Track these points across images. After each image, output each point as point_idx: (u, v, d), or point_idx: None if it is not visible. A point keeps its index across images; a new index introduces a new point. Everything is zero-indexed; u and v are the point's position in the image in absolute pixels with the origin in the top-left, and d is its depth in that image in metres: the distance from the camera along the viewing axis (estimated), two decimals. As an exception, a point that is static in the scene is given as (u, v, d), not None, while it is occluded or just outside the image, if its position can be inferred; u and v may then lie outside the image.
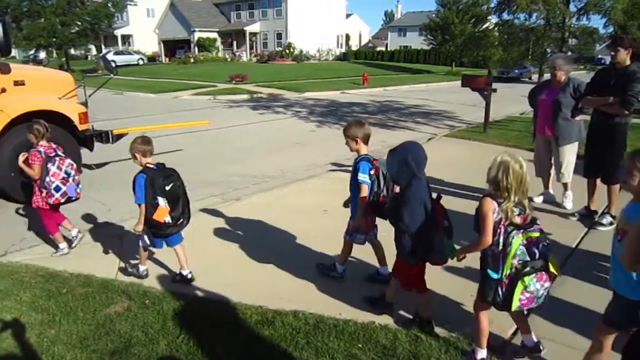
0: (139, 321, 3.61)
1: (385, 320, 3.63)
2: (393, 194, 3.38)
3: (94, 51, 55.31)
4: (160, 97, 21.88)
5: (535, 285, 2.71)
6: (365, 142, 3.82)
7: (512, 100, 17.60)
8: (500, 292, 2.76)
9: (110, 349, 3.28)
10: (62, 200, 4.80)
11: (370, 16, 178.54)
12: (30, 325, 3.59)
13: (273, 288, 4.18)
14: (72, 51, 43.35)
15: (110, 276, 4.42)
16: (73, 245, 4.70)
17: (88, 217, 6.06)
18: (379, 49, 65.17)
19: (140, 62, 47.27)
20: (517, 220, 2.74)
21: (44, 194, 4.70)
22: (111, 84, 9.77)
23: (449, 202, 6.01)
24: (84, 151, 7.39)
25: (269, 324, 3.56)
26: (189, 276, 4.26)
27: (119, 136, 8.00)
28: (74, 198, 4.90)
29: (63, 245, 4.94)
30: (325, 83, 27.85)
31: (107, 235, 5.47)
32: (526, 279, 2.69)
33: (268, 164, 8.78)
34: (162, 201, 3.89)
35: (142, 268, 4.37)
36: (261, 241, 5.19)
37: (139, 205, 3.94)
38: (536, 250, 2.72)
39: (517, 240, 2.69)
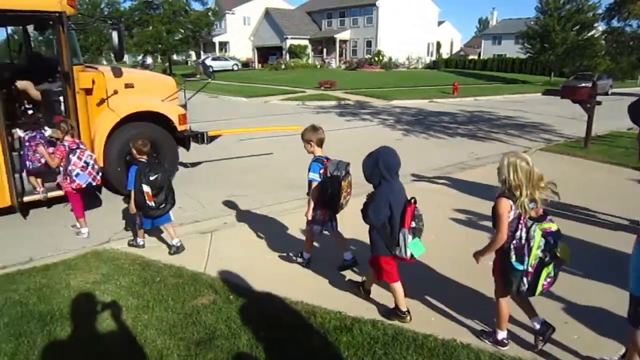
0: (223, 315, 3.76)
1: (467, 338, 3.48)
2: (369, 193, 3.69)
3: (193, 57, 58.91)
4: (252, 101, 22.78)
5: (555, 270, 3.03)
6: (319, 145, 4.43)
7: (619, 113, 16.22)
8: (525, 281, 3.03)
9: (195, 339, 3.46)
10: (83, 186, 5.42)
11: (463, 24, 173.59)
12: (127, 308, 3.88)
13: (353, 295, 4.17)
14: (175, 57, 46.59)
15: (200, 269, 4.66)
16: (172, 252, 5.08)
17: (183, 213, 6.43)
18: (471, 57, 63.05)
19: (235, 67, 49.60)
20: (533, 214, 3.02)
21: (68, 180, 5.37)
22: (208, 87, 10.33)
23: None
24: (180, 150, 7.87)
25: (347, 330, 3.55)
26: (178, 244, 5.05)
27: (213, 137, 8.44)
28: (94, 184, 5.53)
29: (85, 230, 5.64)
30: (413, 91, 27.46)
31: (198, 231, 5.78)
32: (550, 266, 2.99)
33: (353, 171, 8.79)
34: (146, 188, 4.75)
35: (139, 241, 5.22)
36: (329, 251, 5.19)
37: (130, 190, 4.83)
38: (551, 240, 2.98)
39: (539, 233, 2.97)
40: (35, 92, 6.88)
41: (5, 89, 6.59)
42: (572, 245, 2.80)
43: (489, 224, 3.34)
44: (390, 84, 31.17)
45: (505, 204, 2.99)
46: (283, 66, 46.44)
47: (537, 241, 2.95)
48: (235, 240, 5.52)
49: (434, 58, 56.04)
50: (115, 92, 6.79)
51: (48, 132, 6.20)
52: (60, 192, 5.99)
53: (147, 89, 7.45)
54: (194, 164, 9.19)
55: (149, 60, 13.51)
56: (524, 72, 47.62)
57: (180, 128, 7.57)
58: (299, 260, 4.78)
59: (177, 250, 5.05)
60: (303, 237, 5.44)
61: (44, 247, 5.27)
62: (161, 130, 7.33)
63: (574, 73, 29.19)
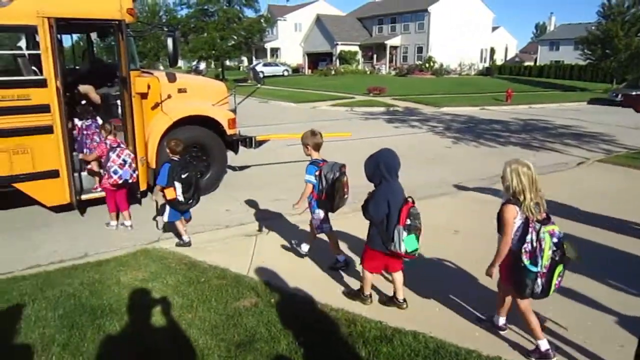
0: (264, 318, 3.80)
1: (513, 356, 3.35)
2: (370, 192, 3.93)
3: (245, 62, 60.31)
4: (301, 107, 23.01)
5: (564, 269, 3.16)
6: (316, 149, 4.72)
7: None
8: (539, 282, 3.12)
9: (236, 341, 3.50)
10: (120, 182, 5.78)
11: (518, 29, 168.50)
12: (172, 307, 3.99)
13: (392, 307, 4.10)
14: (228, 62, 47.80)
15: (243, 272, 4.73)
16: (179, 244, 5.44)
17: (229, 215, 6.57)
18: (526, 63, 60.91)
19: (285, 73, 50.30)
20: (539, 217, 3.13)
21: (106, 176, 5.78)
22: (258, 93, 10.51)
23: (596, 236, 5.41)
24: (229, 153, 8.04)
25: (387, 341, 3.50)
26: (187, 240, 5.41)
27: (261, 142, 8.58)
28: (130, 181, 5.87)
29: (114, 223, 6.08)
30: (464, 98, 26.86)
31: (244, 233, 5.87)
32: (561, 266, 3.12)
33: (400, 178, 8.68)
34: (177, 184, 5.14)
35: (185, 238, 5.45)
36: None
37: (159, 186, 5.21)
38: (557, 240, 3.10)
39: (548, 234, 3.08)
40: (95, 96, 7.23)
41: (69, 92, 6.95)
42: (632, 266, 2.62)
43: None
44: (441, 90, 30.65)
45: (512, 209, 3.16)
46: (333, 72, 46.65)
47: (548, 242, 3.08)
48: (279, 244, 5.57)
49: (487, 64, 54.62)
50: (169, 97, 7.03)
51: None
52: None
53: (199, 93, 7.68)
54: (242, 168, 9.37)
55: (202, 66, 13.95)
56: (583, 79, 45.50)
57: (229, 132, 7.73)
58: (300, 249, 5.08)
59: (185, 244, 5.44)
60: (346, 243, 5.43)
61: (98, 244, 5.52)
62: (211, 134, 7.52)
63: (637, 81, 27.58)
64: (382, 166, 3.76)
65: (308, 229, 5.06)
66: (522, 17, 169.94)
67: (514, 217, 3.15)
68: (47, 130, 5.84)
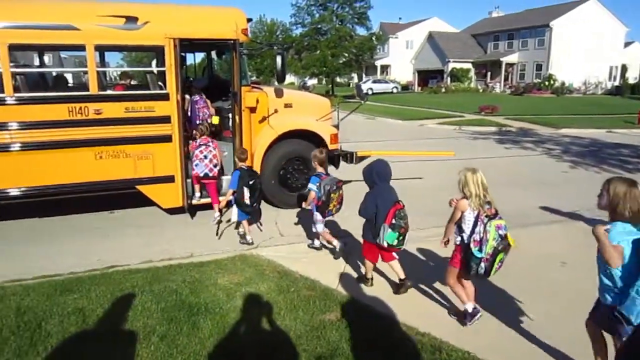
0: (347, 334, 3.79)
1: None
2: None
3: (355, 79, 61.27)
4: (407, 124, 22.77)
5: (505, 256, 3.76)
6: (320, 164, 5.73)
7: None
8: (483, 266, 3.72)
9: (317, 353, 3.54)
10: (201, 175, 6.64)
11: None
12: (262, 312, 4.15)
13: (483, 336, 3.87)
14: (338, 79, 48.99)
15: (332, 286, 4.78)
16: (336, 256, 5.61)
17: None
18: (667, 82, 54.37)
19: (395, 90, 50.21)
20: (488, 213, 3.76)
21: (192, 169, 6.68)
22: (365, 109, 10.67)
23: None
24: (330, 168, 8.18)
25: (474, 373, 3.31)
26: (250, 240, 6.00)
27: (362, 158, 8.62)
28: (210, 175, 6.65)
29: (217, 214, 6.73)
30: (588, 120, 24.64)
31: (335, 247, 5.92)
32: (502, 254, 3.73)
33: (507, 202, 8.14)
34: (245, 189, 5.76)
35: (248, 237, 6.06)
36: (483, 283, 4.86)
37: (231, 190, 5.84)
38: (502, 232, 3.72)
39: (494, 228, 3.68)
40: (211, 109, 7.83)
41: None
42: None
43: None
44: (561, 110, 28.44)
45: (464, 203, 3.82)
46: (443, 89, 45.64)
47: (493, 234, 3.67)
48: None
49: (617, 83, 49.71)
50: (276, 111, 7.39)
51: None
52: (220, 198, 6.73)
53: (304, 109, 7.97)
54: (343, 182, 9.47)
55: (309, 82, 14.43)
56: None
57: (331, 147, 7.89)
58: (315, 245, 5.87)
59: (247, 242, 6.01)
60: (433, 262, 5.26)
61: (202, 246, 5.94)
62: (313, 148, 7.73)
63: None
64: (374, 173, 4.51)
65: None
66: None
67: (465, 209, 3.82)
68: (167, 139, 6.45)
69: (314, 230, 5.79)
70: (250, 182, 5.85)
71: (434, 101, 34.70)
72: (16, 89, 5.90)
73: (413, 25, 62.25)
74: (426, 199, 8.22)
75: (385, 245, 4.32)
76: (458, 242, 3.93)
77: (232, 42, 6.60)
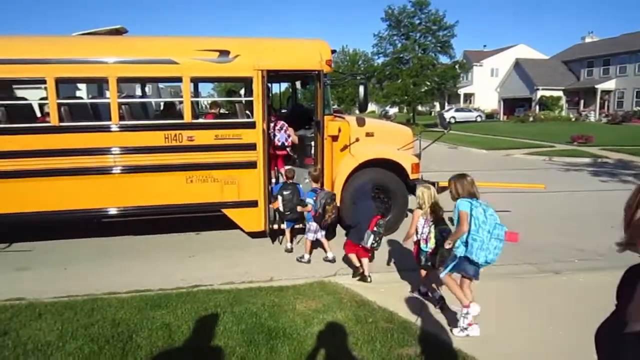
0: (426, 371, 3.65)
1: None
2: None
3: (437, 108, 60.34)
4: (492, 154, 21.94)
5: (445, 253, 4.70)
6: (315, 181, 6.58)
7: None
8: (427, 258, 4.98)
9: (396, 388, 3.43)
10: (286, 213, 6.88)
11: None
12: (338, 341, 4.11)
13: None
14: (419, 107, 48.51)
15: (411, 319, 4.64)
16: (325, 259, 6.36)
17: (408, 260, 6.55)
18: None
19: (479, 119, 48.75)
20: (432, 218, 4.95)
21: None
22: (448, 138, 10.44)
23: None
24: (410, 198, 8.04)
25: None
26: (331, 257, 6.46)
27: (444, 188, 8.36)
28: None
29: (289, 245, 6.92)
30: (700, 151, 22.30)
31: (415, 277, 5.76)
32: (441, 249, 4.78)
33: (603, 240, 7.53)
34: (279, 198, 6.61)
35: (288, 245, 6.86)
36: (574, 324, 4.48)
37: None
38: (445, 235, 4.73)
39: (435, 230, 4.92)
40: (294, 137, 8.06)
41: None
42: None
43: None
44: (668, 141, 26.00)
45: (418, 212, 4.99)
46: (531, 118, 43.55)
47: (434, 234, 4.90)
48: (452, 295, 5.30)
49: None
50: (357, 140, 7.46)
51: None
52: (299, 225, 6.85)
53: (385, 138, 7.97)
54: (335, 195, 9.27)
55: (391, 111, 14.44)
56: None
57: (412, 176, 7.78)
58: (303, 260, 6.45)
59: (329, 260, 6.44)
60: (520, 302, 4.93)
61: (282, 270, 6.05)
62: (394, 177, 7.68)
63: None
64: (357, 192, 6.09)
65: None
66: None
67: (419, 216, 4.96)
68: (252, 165, 6.73)
69: (307, 235, 6.52)
70: (285, 193, 6.61)
71: (521, 130, 33.19)
72: (121, 117, 6.48)
73: (498, 53, 60.46)
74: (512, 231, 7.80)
75: (368, 246, 5.52)
76: (415, 240, 5.07)
77: (316, 72, 6.81)
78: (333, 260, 6.40)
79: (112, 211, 6.64)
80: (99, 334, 4.22)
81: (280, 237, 7.26)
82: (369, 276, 5.70)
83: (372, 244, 5.50)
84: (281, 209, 6.68)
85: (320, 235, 6.47)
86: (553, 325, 4.51)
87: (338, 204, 6.60)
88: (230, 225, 7.04)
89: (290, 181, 6.76)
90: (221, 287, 5.39)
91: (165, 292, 5.21)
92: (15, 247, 7.12)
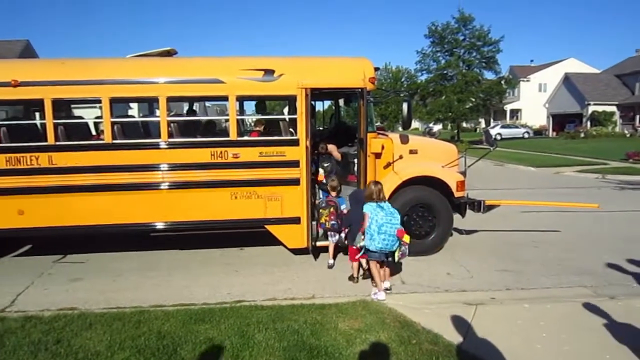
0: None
1: None
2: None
3: (482, 124, 59.11)
4: (540, 172, 21.21)
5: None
6: (333, 190, 6.88)
7: None
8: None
9: (442, 414, 3.31)
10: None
11: None
12: (382, 363, 4.02)
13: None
14: (464, 124, 47.65)
15: (456, 341, 4.48)
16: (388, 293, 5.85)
17: (450, 280, 6.39)
18: None
19: (526, 135, 47.39)
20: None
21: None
22: (494, 155, 10.16)
23: None
24: (456, 216, 7.87)
25: None
26: (330, 263, 6.89)
27: (490, 207, 8.15)
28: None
29: (331, 261, 6.95)
30: None
31: (464, 301, 5.59)
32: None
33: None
34: (321, 171, 7.36)
35: (330, 262, 6.93)
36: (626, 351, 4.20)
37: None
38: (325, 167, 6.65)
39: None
40: (337, 154, 8.06)
41: (317, 150, 7.95)
42: None
43: None
44: None
45: (369, 205, 5.62)
46: (582, 135, 41.89)
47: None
48: (502, 319, 5.11)
49: None
50: (401, 157, 7.38)
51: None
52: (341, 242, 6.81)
53: (429, 155, 7.85)
54: (468, 232, 9.04)
55: (435, 128, 14.26)
56: None
57: (457, 194, 7.61)
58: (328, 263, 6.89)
59: (329, 265, 6.83)
60: (584, 332, 4.68)
61: (324, 288, 6.02)
62: (438, 195, 7.53)
63: None
64: (351, 199, 6.43)
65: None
66: None
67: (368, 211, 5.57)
68: (295, 182, 6.78)
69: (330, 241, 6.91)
70: (325, 165, 7.50)
71: (572, 147, 31.97)
72: (170, 135, 6.70)
73: (547, 67, 58.83)
74: (566, 253, 7.48)
75: (358, 246, 5.84)
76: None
77: (359, 90, 6.83)
78: (332, 266, 6.82)
79: (160, 225, 6.84)
80: (146, 346, 4.32)
81: (323, 253, 7.25)
82: (356, 278, 6.28)
83: (359, 244, 5.86)
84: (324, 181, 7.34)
85: (333, 239, 6.74)
86: (609, 354, 4.25)
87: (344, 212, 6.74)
88: (273, 241, 7.10)
89: (334, 193, 6.93)
90: (264, 303, 5.41)
91: (209, 307, 5.28)
92: (70, 258, 7.44)
